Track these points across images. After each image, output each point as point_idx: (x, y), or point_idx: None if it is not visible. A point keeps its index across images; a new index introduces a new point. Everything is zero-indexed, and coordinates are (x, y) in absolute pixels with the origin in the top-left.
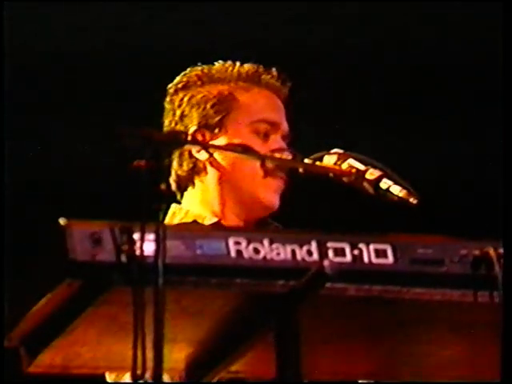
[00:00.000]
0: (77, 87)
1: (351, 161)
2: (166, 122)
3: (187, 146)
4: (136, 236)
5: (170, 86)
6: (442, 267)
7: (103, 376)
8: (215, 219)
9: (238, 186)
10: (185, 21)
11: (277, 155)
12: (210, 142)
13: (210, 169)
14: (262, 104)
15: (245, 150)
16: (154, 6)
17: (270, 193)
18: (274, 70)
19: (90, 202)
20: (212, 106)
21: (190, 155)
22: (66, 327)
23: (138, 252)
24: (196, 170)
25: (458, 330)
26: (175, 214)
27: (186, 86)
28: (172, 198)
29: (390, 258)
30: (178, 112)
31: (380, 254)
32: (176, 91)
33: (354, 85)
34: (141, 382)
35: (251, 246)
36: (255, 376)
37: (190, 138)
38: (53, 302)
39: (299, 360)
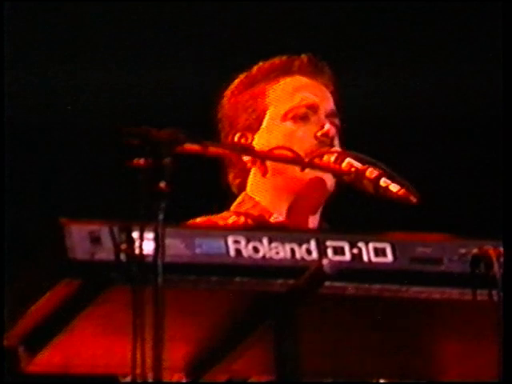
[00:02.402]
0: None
1: (350, 160)
2: (221, 129)
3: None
4: (135, 235)
5: (225, 92)
6: (441, 266)
7: (105, 376)
8: (280, 218)
9: (292, 174)
10: None
11: (319, 133)
12: (253, 143)
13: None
14: (293, 91)
15: (244, 149)
16: None
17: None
18: (303, 56)
19: (89, 201)
20: (248, 110)
21: (242, 165)
22: (65, 326)
23: (137, 251)
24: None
25: (457, 328)
26: (244, 202)
27: (234, 93)
28: (171, 197)
29: (390, 257)
30: (226, 119)
31: (379, 252)
32: (226, 98)
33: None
34: (140, 381)
35: (250, 245)
36: (254, 375)
37: (236, 142)
38: (52, 300)
39: (298, 359)
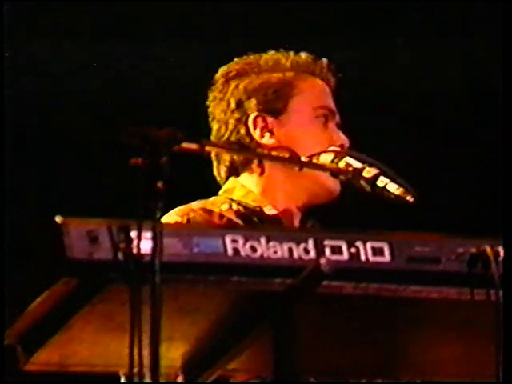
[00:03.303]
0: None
1: (348, 159)
2: (218, 112)
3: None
4: (133, 234)
5: (217, 76)
6: (438, 265)
7: (103, 375)
8: (274, 211)
9: (302, 172)
10: None
11: (338, 143)
12: (274, 127)
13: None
14: (319, 91)
15: (241, 148)
16: None
17: (332, 177)
18: (324, 60)
19: (87, 200)
20: (274, 92)
21: (251, 139)
22: (63, 325)
23: (134, 250)
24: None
25: (455, 327)
26: (235, 189)
27: (239, 74)
28: (169, 196)
29: (387, 256)
30: (233, 100)
31: (377, 251)
32: (227, 80)
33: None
34: (139, 381)
35: (248, 244)
36: (252, 374)
37: (251, 122)
38: (50, 300)
39: (296, 358)
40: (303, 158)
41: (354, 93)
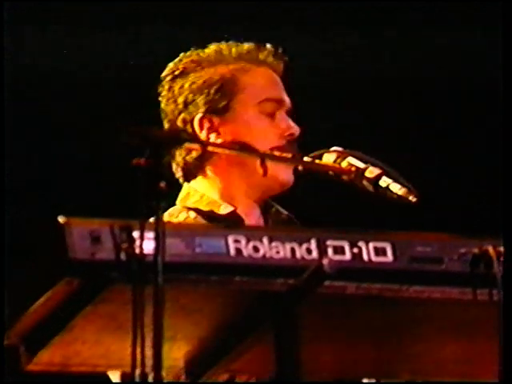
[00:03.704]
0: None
1: (351, 159)
2: (169, 111)
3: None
4: (135, 234)
5: (164, 73)
6: (441, 265)
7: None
8: (230, 208)
9: (251, 167)
10: None
11: (286, 133)
12: (220, 127)
13: (220, 154)
14: (264, 82)
15: (243, 148)
16: None
17: (285, 168)
18: (268, 46)
19: (89, 200)
20: (216, 91)
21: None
22: (66, 325)
23: (137, 250)
24: (207, 155)
25: (457, 327)
26: (189, 195)
27: (184, 73)
28: (172, 196)
29: (390, 256)
30: (181, 99)
31: (379, 252)
32: (174, 78)
33: (353, 83)
34: (139, 381)
35: (250, 244)
36: (254, 374)
37: (196, 124)
38: (52, 300)
39: (298, 358)
40: (306, 159)
41: (354, 92)
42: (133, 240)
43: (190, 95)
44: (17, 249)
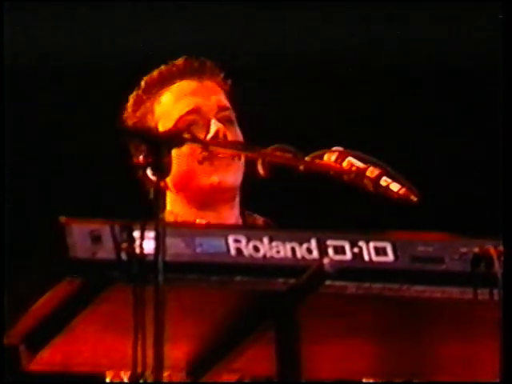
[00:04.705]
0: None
1: (351, 159)
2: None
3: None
4: (136, 234)
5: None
6: (442, 265)
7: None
8: (203, 220)
9: (185, 185)
10: None
11: (209, 137)
12: None
13: (169, 186)
14: (175, 101)
15: (244, 147)
16: None
17: (208, 175)
18: (179, 60)
19: (89, 200)
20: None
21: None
22: (66, 325)
23: (137, 250)
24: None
25: (458, 327)
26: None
27: (129, 115)
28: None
29: (390, 256)
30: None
31: (380, 251)
32: (125, 120)
33: (353, 83)
34: (141, 381)
35: (251, 244)
36: (255, 374)
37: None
38: (53, 299)
39: (299, 358)
40: (306, 158)
41: (354, 92)
42: (133, 240)
43: None
44: (17, 249)
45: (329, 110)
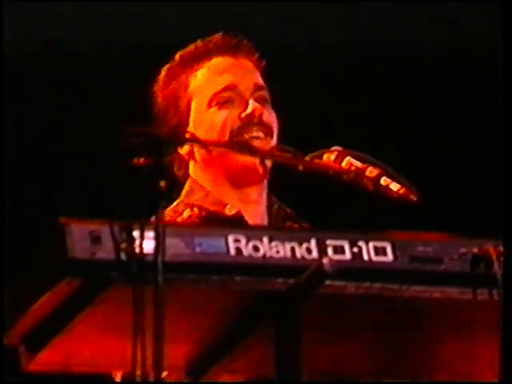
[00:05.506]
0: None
1: (350, 159)
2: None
3: (186, 146)
4: (135, 234)
5: (154, 88)
6: (441, 265)
7: (104, 375)
8: (235, 209)
9: (224, 163)
10: None
11: (243, 115)
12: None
13: (197, 158)
14: (212, 76)
15: (244, 147)
16: None
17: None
18: (217, 36)
19: (89, 200)
20: (175, 104)
21: (180, 156)
22: (66, 325)
23: (137, 250)
24: (189, 166)
25: (457, 327)
26: (194, 191)
27: (160, 88)
28: (171, 196)
29: (390, 256)
30: (159, 116)
31: (379, 251)
32: (155, 93)
33: (354, 83)
34: (139, 381)
35: (251, 244)
36: (254, 374)
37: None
38: (52, 300)
39: (299, 358)
40: (306, 158)
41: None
42: (133, 240)
43: (163, 111)
44: (17, 249)
45: (329, 109)
